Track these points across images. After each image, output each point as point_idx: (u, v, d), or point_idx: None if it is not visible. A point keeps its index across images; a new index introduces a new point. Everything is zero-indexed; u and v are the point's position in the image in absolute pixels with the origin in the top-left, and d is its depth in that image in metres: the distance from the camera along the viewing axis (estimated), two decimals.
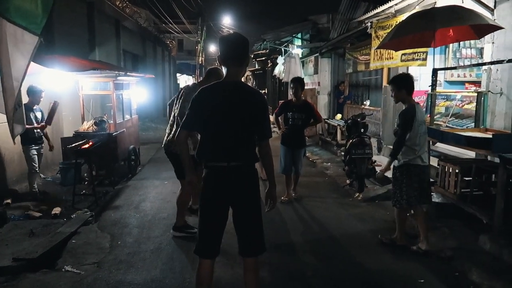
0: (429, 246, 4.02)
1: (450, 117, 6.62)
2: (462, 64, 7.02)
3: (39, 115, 6.22)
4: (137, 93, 9.00)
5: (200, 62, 31.75)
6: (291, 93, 6.07)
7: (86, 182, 6.91)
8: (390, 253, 4.11)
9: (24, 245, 4.24)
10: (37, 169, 6.17)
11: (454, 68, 6.36)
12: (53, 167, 7.99)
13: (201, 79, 5.07)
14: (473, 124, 5.99)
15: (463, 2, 5.18)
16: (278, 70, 15.27)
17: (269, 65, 21.89)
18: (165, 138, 4.64)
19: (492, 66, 5.08)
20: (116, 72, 7.39)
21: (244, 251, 2.66)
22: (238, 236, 2.66)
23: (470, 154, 5.54)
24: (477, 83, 6.92)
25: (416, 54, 6.14)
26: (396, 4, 6.58)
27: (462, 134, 4.31)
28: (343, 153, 9.15)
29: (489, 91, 5.21)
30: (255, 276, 2.68)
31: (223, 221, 2.64)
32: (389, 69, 8.19)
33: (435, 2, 5.89)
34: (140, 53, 17.95)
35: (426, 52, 6.05)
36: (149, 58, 19.40)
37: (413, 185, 4.00)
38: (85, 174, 7.00)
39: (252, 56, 21.80)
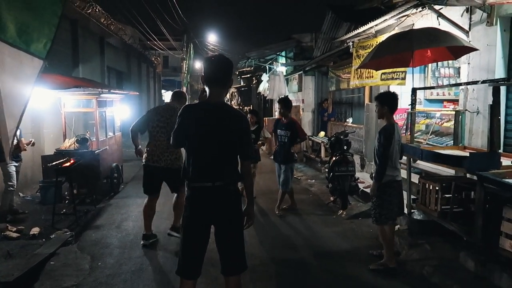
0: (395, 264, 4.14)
1: (430, 135, 6.76)
2: (441, 83, 7.22)
3: (17, 131, 6.10)
4: (121, 110, 8.95)
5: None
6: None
7: (66, 201, 6.77)
8: (373, 271, 4.11)
9: (0, 268, 4.11)
10: (14, 187, 6.02)
11: (433, 87, 6.55)
12: (32, 185, 7.82)
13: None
14: (452, 142, 6.14)
15: (439, 25, 5.36)
16: (263, 87, 15.42)
17: (254, 82, 22.12)
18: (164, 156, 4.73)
19: (469, 86, 5.24)
20: (100, 89, 7.35)
21: (227, 269, 2.66)
22: (221, 255, 2.66)
23: (450, 171, 5.66)
24: (455, 101, 7.11)
25: (396, 73, 6.31)
26: (376, 25, 6.76)
27: (441, 153, 4.40)
28: (327, 170, 9.25)
29: (466, 110, 5.37)
30: None
31: (205, 241, 2.64)
32: (370, 87, 8.37)
33: (413, 24, 6.09)
34: (124, 69, 17.92)
35: (405, 72, 6.22)
36: (134, 75, 19.38)
37: (393, 200, 4.18)
38: (66, 193, 6.87)
39: (237, 73, 22.02)
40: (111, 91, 8.01)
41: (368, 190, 6.98)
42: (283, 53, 14.76)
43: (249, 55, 14.60)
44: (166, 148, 4.67)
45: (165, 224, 5.62)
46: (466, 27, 5.29)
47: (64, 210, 6.20)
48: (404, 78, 6.24)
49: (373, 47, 6.93)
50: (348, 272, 4.14)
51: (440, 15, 5.35)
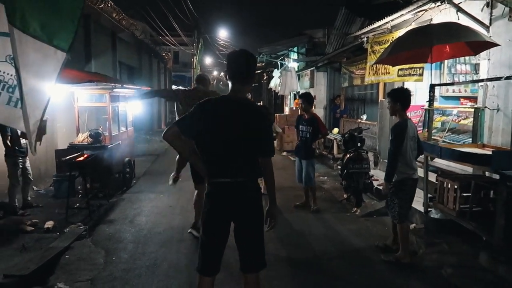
0: (411, 259, 4.18)
1: (447, 132, 6.64)
2: (457, 79, 7.06)
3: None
4: (133, 106, 8.95)
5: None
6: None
7: (79, 195, 6.80)
8: (390, 270, 4.05)
9: (16, 261, 4.14)
10: (19, 183, 6.03)
11: (452, 84, 6.39)
12: (46, 179, 7.87)
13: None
14: (470, 139, 6.00)
15: (459, 19, 5.24)
16: (274, 83, 15.33)
17: (265, 78, 22.02)
18: None
19: (489, 83, 5.11)
20: (113, 84, 7.35)
21: (245, 267, 2.62)
22: (240, 252, 2.62)
23: (467, 169, 5.55)
24: (472, 98, 6.95)
25: (413, 69, 6.19)
26: (392, 20, 6.65)
27: (461, 150, 4.31)
28: (339, 167, 9.15)
29: (485, 107, 5.24)
30: None
31: (225, 238, 2.60)
32: (385, 83, 8.24)
33: (431, 19, 5.96)
34: (136, 65, 17.96)
35: (423, 68, 6.09)
36: (145, 70, 19.41)
37: (407, 197, 4.21)
38: (79, 187, 6.89)
39: None
40: (124, 86, 8.01)
41: (382, 188, 6.93)
42: (295, 49, 14.67)
43: (261, 50, 14.53)
44: None
45: (177, 220, 5.61)
46: (487, 22, 5.15)
47: (77, 204, 6.22)
48: (421, 74, 6.11)
49: (389, 42, 6.82)
50: (364, 270, 4.08)
51: (459, 9, 5.22)
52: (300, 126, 6.21)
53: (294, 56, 15.05)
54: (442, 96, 7.60)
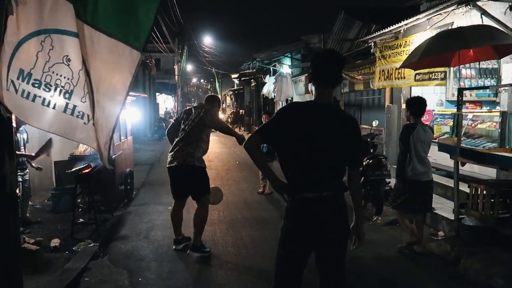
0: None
1: (462, 137, 6.57)
2: (463, 84, 7.00)
3: (25, 136, 5.66)
4: (132, 114, 8.57)
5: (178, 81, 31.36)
6: None
7: (80, 209, 6.34)
8: (436, 281, 3.86)
9: (31, 286, 3.72)
10: (19, 197, 5.56)
11: (486, 87, 6.24)
12: (40, 193, 7.36)
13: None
14: (489, 143, 5.94)
15: (482, 22, 5.16)
16: (267, 89, 15.14)
17: (253, 84, 21.81)
18: (176, 154, 4.36)
19: None
20: None
21: None
22: (321, 276, 2.35)
23: (489, 174, 5.47)
24: (477, 103, 6.93)
25: (433, 73, 6.06)
26: (406, 25, 6.55)
27: (509, 156, 4.18)
28: None
29: None
30: None
31: (306, 259, 2.33)
32: (391, 89, 8.15)
33: (453, 22, 5.87)
34: None
35: (445, 72, 5.98)
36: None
37: (412, 197, 4.45)
38: (79, 200, 6.43)
39: (238, 75, 21.73)
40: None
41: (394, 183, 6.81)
42: (289, 55, 14.55)
43: (257, 56, 14.34)
44: (177, 145, 4.41)
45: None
46: (510, 25, 5.09)
47: (81, 219, 5.79)
48: (443, 79, 6.00)
49: (402, 46, 6.74)
50: (410, 280, 3.90)
51: (484, 12, 5.14)
52: None
53: (288, 62, 14.91)
54: (448, 100, 7.56)
